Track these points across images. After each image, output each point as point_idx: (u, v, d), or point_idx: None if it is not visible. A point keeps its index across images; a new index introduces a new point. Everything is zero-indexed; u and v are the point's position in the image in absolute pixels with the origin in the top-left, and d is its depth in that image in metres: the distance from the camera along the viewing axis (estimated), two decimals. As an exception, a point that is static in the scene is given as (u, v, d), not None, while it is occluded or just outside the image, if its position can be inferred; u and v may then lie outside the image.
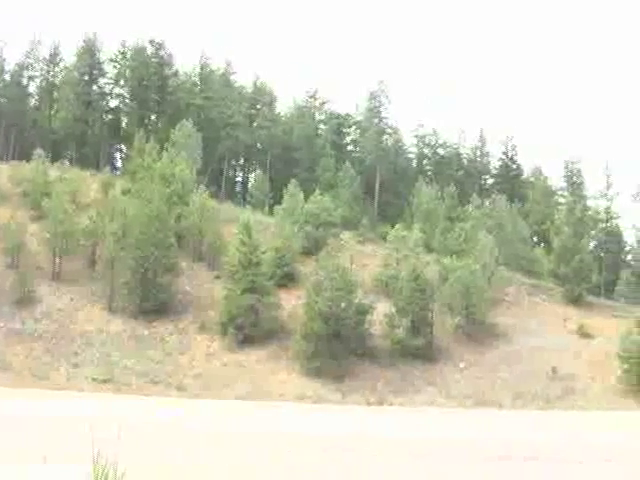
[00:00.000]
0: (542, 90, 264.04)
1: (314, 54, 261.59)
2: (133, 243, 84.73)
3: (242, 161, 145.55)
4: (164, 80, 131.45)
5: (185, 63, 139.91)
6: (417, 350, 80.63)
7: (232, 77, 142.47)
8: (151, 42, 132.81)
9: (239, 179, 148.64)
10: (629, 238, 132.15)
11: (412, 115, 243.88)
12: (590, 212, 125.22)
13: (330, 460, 30.21)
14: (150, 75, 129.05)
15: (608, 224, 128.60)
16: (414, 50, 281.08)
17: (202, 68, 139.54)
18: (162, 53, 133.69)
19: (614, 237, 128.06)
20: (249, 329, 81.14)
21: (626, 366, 76.10)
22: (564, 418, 64.48)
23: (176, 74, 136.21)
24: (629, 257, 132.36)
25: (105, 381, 73.20)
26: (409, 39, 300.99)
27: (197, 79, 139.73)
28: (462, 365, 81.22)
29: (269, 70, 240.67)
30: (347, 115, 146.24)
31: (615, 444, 40.10)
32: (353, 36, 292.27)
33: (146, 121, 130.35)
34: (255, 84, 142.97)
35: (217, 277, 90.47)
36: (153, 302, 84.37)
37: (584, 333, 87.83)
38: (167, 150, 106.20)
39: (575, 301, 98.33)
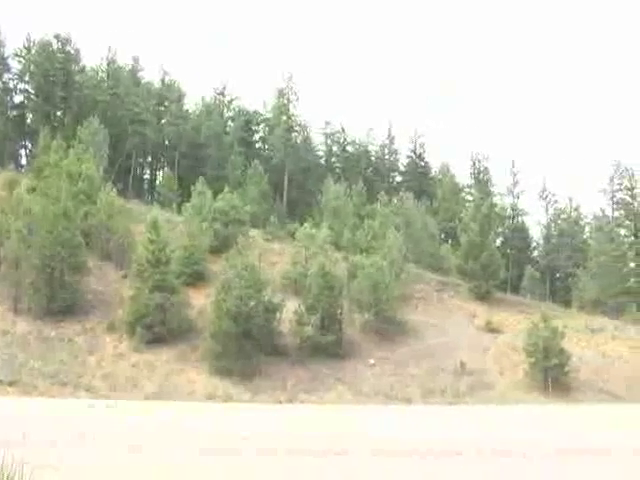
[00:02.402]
0: (454, 90, 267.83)
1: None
2: (39, 242, 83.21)
3: (150, 159, 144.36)
4: (70, 76, 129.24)
5: (94, 59, 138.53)
6: (327, 347, 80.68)
7: (140, 74, 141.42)
8: (57, 37, 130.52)
9: (147, 177, 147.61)
10: (534, 234, 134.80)
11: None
12: (497, 209, 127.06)
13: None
14: (56, 71, 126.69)
15: (514, 221, 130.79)
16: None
17: (109, 64, 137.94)
18: (68, 48, 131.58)
19: (520, 233, 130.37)
20: (158, 328, 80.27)
21: (532, 360, 77.54)
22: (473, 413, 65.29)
23: (83, 70, 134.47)
24: (535, 253, 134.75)
25: (11, 383, 71.84)
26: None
27: (104, 75, 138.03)
28: (372, 362, 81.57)
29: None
30: (255, 112, 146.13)
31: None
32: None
33: (52, 117, 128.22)
34: (163, 81, 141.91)
35: (124, 276, 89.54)
36: (60, 302, 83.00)
37: (492, 329, 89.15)
38: (74, 147, 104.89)
39: (483, 297, 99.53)
